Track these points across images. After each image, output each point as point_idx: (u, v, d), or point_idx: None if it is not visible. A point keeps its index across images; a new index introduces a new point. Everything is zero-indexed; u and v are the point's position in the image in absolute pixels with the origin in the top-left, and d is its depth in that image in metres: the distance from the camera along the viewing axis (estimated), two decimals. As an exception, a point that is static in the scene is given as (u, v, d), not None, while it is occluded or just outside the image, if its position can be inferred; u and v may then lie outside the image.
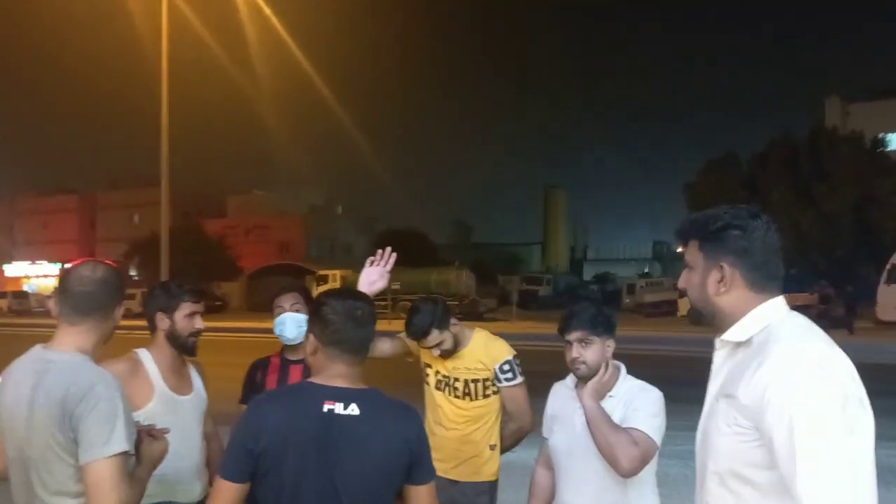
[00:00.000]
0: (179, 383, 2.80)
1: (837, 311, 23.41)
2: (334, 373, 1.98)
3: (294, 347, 3.18)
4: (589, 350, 2.58)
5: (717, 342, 1.75)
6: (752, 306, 1.67)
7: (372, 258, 3.16)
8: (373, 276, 3.13)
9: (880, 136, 37.29)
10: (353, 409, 1.92)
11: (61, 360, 2.03)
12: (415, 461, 1.98)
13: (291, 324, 3.12)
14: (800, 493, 1.46)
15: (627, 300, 38.80)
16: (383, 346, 3.38)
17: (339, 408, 1.91)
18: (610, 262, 70.89)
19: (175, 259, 22.96)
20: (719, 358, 1.75)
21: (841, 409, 1.48)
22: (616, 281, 50.26)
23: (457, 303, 29.01)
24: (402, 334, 3.39)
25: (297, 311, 3.14)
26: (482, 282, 38.54)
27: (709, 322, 1.75)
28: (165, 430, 2.26)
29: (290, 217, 57.75)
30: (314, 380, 2.01)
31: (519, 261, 67.64)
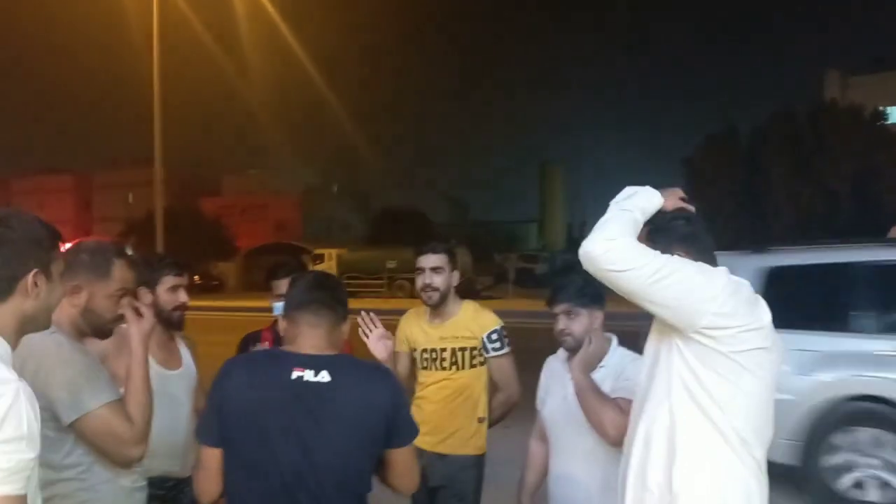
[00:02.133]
0: (168, 358, 2.79)
1: None
2: (302, 339, 1.98)
3: None
4: (575, 322, 2.62)
5: None
6: None
7: (361, 329, 3.01)
8: (378, 347, 2.97)
9: (880, 108, 37.17)
10: (324, 376, 1.90)
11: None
12: (391, 425, 1.95)
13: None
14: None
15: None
16: (401, 367, 3.35)
17: (308, 375, 1.89)
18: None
19: (171, 239, 22.88)
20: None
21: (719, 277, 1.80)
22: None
23: (457, 284, 28.88)
24: (401, 346, 3.39)
25: None
26: (479, 260, 38.51)
27: None
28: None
29: (286, 196, 57.70)
30: (285, 348, 2.02)
31: (516, 238, 67.71)
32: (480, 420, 3.32)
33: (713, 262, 1.94)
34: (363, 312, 3.04)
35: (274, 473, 1.85)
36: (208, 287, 43.43)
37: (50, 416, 1.91)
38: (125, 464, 2.05)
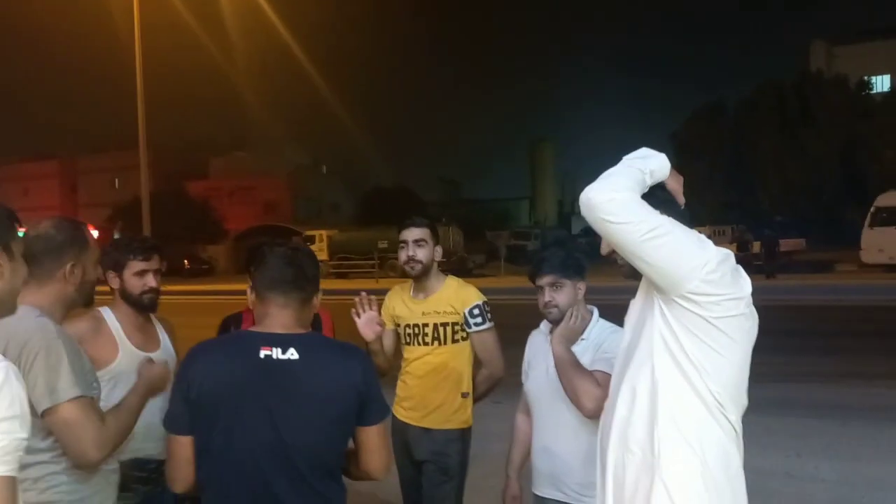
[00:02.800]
0: (145, 340, 2.78)
1: (755, 257, 23.58)
2: (271, 319, 1.95)
3: None
4: (560, 293, 2.62)
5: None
6: None
7: (354, 309, 3.05)
8: (366, 329, 3.04)
9: (865, 78, 37.21)
10: (292, 354, 1.88)
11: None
12: (363, 402, 1.94)
13: None
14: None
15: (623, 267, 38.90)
16: (387, 344, 3.36)
17: (276, 353, 1.88)
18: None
19: (159, 222, 22.82)
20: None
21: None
22: (602, 232, 50.29)
23: (445, 259, 28.92)
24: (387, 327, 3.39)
25: None
26: (470, 238, 38.53)
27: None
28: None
29: (274, 177, 57.29)
30: (252, 328, 1.99)
31: (507, 216, 67.63)
32: (464, 395, 3.35)
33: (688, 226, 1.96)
34: (363, 294, 3.06)
35: (246, 453, 1.84)
36: (198, 271, 43.31)
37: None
38: (81, 463, 1.98)
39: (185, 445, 1.88)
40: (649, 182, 1.86)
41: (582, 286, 2.65)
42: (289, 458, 1.85)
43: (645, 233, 1.74)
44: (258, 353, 1.87)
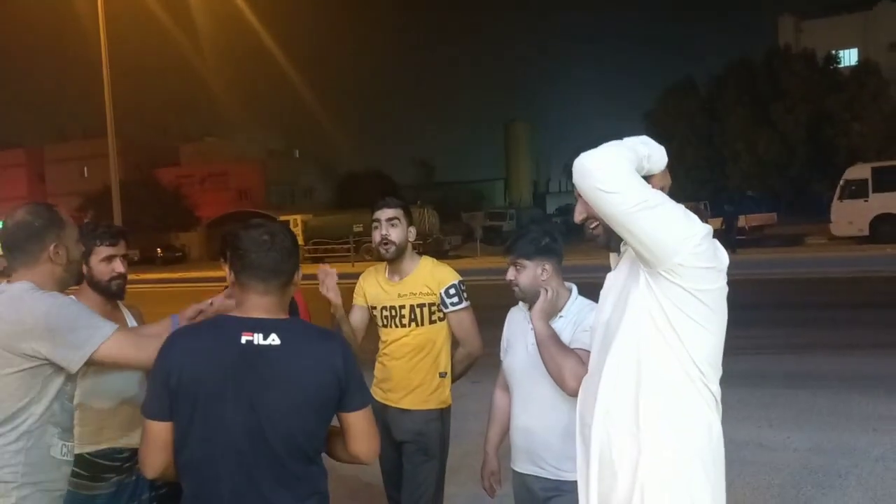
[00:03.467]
0: None
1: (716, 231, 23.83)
2: (250, 304, 1.93)
3: None
4: (522, 273, 2.68)
5: (620, 253, 2.01)
6: None
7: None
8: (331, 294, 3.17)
9: (833, 52, 37.56)
10: (274, 339, 1.87)
11: (9, 289, 2.15)
12: (345, 388, 1.93)
13: None
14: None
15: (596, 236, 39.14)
16: (355, 319, 3.38)
17: (258, 338, 1.87)
18: (573, 194, 71.17)
19: (129, 211, 22.53)
20: (615, 265, 2.03)
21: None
22: (578, 212, 50.53)
23: (421, 242, 29.03)
24: (355, 301, 3.44)
25: None
26: (446, 220, 38.55)
27: (612, 238, 1.98)
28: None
29: (247, 163, 56.74)
30: (232, 313, 1.96)
31: (482, 197, 67.69)
32: (442, 375, 3.37)
33: None
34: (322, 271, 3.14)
35: (227, 439, 1.84)
36: (171, 259, 42.90)
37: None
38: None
39: (162, 431, 1.87)
40: (645, 165, 1.87)
41: (548, 267, 2.67)
42: (269, 443, 1.85)
43: (634, 204, 1.74)
44: (239, 338, 1.86)
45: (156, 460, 1.89)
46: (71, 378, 2.17)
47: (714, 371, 1.86)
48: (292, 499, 1.89)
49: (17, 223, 2.20)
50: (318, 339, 1.96)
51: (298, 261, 2.04)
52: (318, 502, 1.96)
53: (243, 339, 1.86)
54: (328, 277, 3.13)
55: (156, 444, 1.88)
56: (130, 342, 2.16)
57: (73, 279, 2.34)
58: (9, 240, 2.19)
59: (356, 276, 3.55)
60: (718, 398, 1.89)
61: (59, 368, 2.10)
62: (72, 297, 2.22)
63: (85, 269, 2.68)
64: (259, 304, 1.93)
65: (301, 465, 1.91)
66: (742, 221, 26.95)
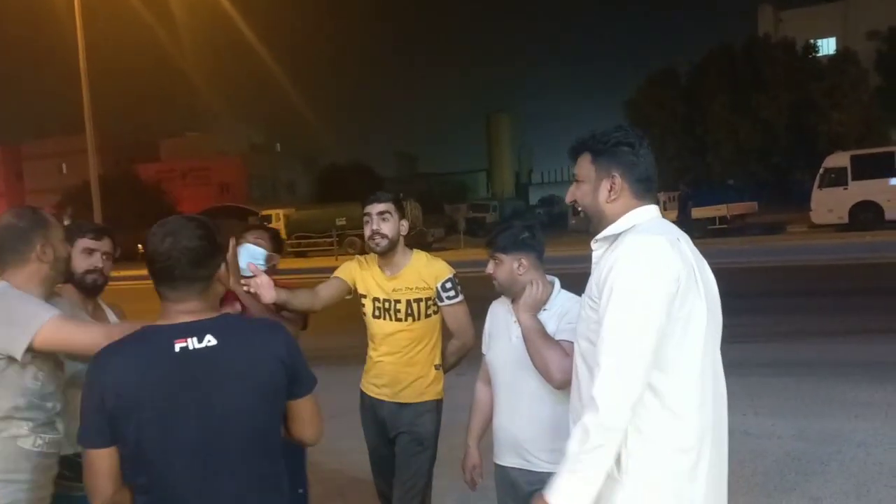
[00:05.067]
0: None
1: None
2: (173, 312, 1.83)
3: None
4: (499, 268, 2.70)
5: (594, 244, 2.01)
6: (628, 210, 1.96)
7: (247, 288, 2.89)
8: (265, 294, 2.88)
9: (812, 41, 37.80)
10: (210, 340, 1.78)
11: None
12: (292, 376, 1.88)
13: (245, 254, 3.03)
14: (599, 345, 1.81)
15: (573, 221, 39.29)
16: (324, 294, 3.28)
17: (192, 342, 1.77)
18: (555, 184, 71.39)
19: (109, 207, 22.28)
20: (596, 257, 2.00)
21: (646, 285, 1.78)
22: (561, 203, 50.72)
23: (406, 234, 28.82)
24: (336, 273, 3.38)
25: (257, 244, 3.13)
26: (429, 212, 38.44)
27: (595, 228, 2.02)
28: None
29: (228, 157, 56.32)
30: (157, 322, 1.84)
31: (465, 189, 67.67)
32: (437, 367, 3.39)
33: (647, 194, 1.99)
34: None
35: (184, 451, 1.76)
36: (154, 255, 42.51)
37: None
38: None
39: (105, 458, 1.76)
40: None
41: (524, 261, 2.66)
42: (227, 446, 1.78)
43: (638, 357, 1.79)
44: (173, 347, 1.76)
45: (104, 488, 1.77)
46: (29, 371, 2.17)
47: (663, 369, 1.83)
48: (260, 500, 1.84)
49: (3, 226, 2.30)
50: (257, 331, 1.90)
51: (216, 258, 1.89)
52: (285, 500, 1.92)
53: (177, 347, 1.76)
54: (266, 290, 2.86)
55: (101, 473, 1.76)
56: (72, 325, 2.18)
57: (61, 277, 2.42)
58: None
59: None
60: (677, 394, 1.84)
61: (10, 360, 2.11)
62: (21, 292, 2.23)
63: None
64: (181, 310, 1.82)
65: (266, 464, 1.86)
66: (724, 210, 27.12)
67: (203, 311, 1.84)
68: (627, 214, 1.96)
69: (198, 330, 1.79)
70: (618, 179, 1.97)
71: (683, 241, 1.92)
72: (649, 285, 1.78)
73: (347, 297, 3.40)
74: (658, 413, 1.82)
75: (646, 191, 1.99)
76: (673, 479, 1.84)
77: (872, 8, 39.44)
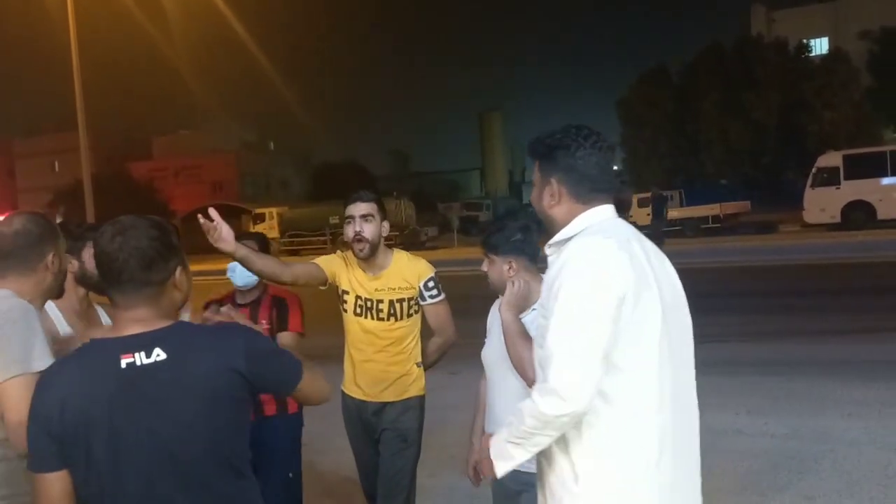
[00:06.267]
0: (87, 327, 2.68)
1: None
2: (123, 320, 1.69)
3: (243, 292, 3.47)
4: (492, 267, 2.71)
5: (547, 248, 1.99)
6: (575, 215, 1.92)
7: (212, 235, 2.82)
8: (222, 245, 2.82)
9: (804, 41, 37.93)
10: (159, 354, 1.64)
11: None
12: (257, 383, 1.73)
13: (242, 269, 3.18)
14: (545, 347, 1.79)
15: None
16: (297, 270, 3.26)
17: (140, 358, 1.63)
18: (547, 182, 71.41)
19: (102, 206, 22.12)
20: (550, 262, 1.96)
21: (588, 288, 1.75)
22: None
23: (397, 233, 28.95)
24: (318, 259, 3.38)
25: None
26: (422, 211, 38.47)
27: (549, 232, 2.00)
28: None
29: (221, 155, 56.21)
30: (107, 334, 1.71)
31: (458, 188, 67.72)
32: (419, 365, 3.40)
33: (595, 196, 1.93)
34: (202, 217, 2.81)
35: (137, 475, 1.64)
36: (146, 253, 42.43)
37: None
38: (11, 444, 1.93)
39: (55, 482, 1.64)
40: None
41: (514, 263, 2.66)
42: (184, 468, 1.65)
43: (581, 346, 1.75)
44: (118, 363, 1.63)
45: None
46: None
47: (615, 374, 1.79)
48: None
49: (16, 231, 2.21)
50: (212, 342, 1.72)
51: (170, 261, 1.75)
52: None
53: (123, 363, 1.63)
54: (217, 229, 2.78)
55: (52, 498, 1.64)
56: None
57: (58, 289, 2.33)
58: (6, 246, 2.18)
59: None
60: (631, 399, 1.82)
61: None
62: (37, 325, 2.05)
63: (75, 265, 2.66)
64: (131, 319, 1.68)
65: (230, 482, 1.72)
66: (717, 210, 27.20)
67: (154, 319, 1.70)
68: (576, 218, 1.93)
69: (146, 343, 1.65)
70: (555, 184, 1.94)
71: (635, 242, 1.88)
72: (594, 289, 1.75)
73: (321, 288, 3.37)
74: (612, 420, 1.79)
75: (591, 192, 1.93)
76: (631, 485, 1.81)
77: (865, 8, 39.64)
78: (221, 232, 2.78)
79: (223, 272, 3.64)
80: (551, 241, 1.97)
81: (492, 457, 1.92)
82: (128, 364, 1.63)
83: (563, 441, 1.84)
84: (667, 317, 1.83)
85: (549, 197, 1.96)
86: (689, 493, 1.92)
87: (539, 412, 1.75)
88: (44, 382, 1.69)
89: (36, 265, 2.20)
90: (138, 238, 1.69)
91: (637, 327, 1.77)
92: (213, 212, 2.84)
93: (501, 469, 1.92)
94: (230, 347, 1.71)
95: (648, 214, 23.80)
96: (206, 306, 3.26)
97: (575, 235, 1.89)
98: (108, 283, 1.70)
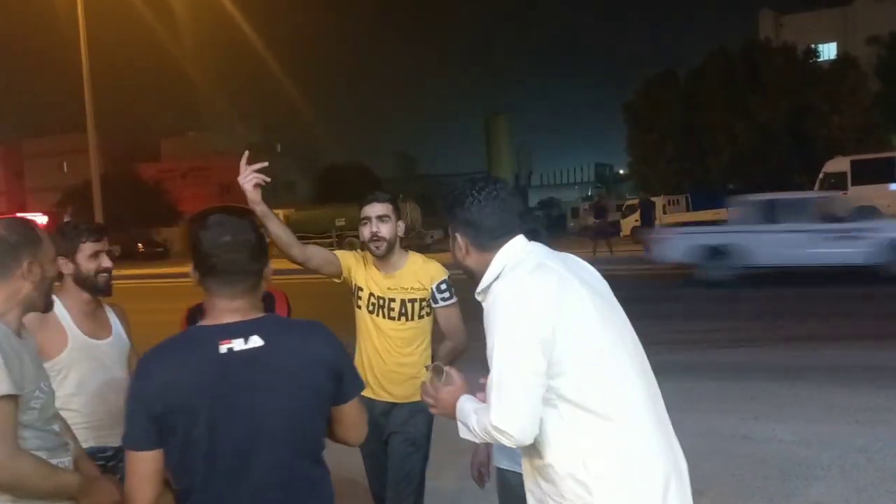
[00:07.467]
0: (95, 327, 2.73)
1: (611, 226, 23.76)
2: (220, 309, 1.80)
3: None
4: None
5: (477, 296, 2.08)
6: (488, 262, 2.03)
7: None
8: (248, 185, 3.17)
9: (812, 46, 37.81)
10: (256, 341, 1.76)
11: None
12: (338, 380, 1.87)
13: None
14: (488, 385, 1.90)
15: (572, 224, 39.33)
16: (312, 251, 3.31)
17: (238, 344, 1.75)
18: (554, 186, 71.55)
19: (110, 206, 22.28)
20: (484, 307, 2.04)
21: (514, 322, 1.85)
22: (560, 205, 50.82)
23: (404, 235, 28.84)
24: (336, 251, 3.40)
25: None
26: (428, 213, 38.48)
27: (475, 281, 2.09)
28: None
29: (228, 157, 56.22)
30: (203, 323, 1.82)
31: (464, 190, 67.63)
32: (428, 368, 3.36)
33: (498, 241, 2.02)
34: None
35: (232, 455, 1.74)
36: (152, 254, 42.56)
37: None
38: None
39: (149, 462, 1.74)
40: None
41: None
42: (275, 450, 1.77)
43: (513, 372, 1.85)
44: (217, 348, 1.74)
45: (146, 493, 1.76)
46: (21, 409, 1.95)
47: (559, 370, 1.87)
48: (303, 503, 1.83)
49: None
50: (304, 333, 1.87)
51: (267, 256, 1.90)
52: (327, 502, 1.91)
53: (223, 349, 1.74)
54: (250, 174, 3.15)
55: (143, 476, 1.74)
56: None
57: (42, 300, 2.14)
58: None
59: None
60: (561, 392, 1.88)
61: None
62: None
63: (71, 266, 2.66)
64: (229, 308, 1.80)
65: (310, 467, 1.85)
66: (724, 214, 27.09)
67: (249, 309, 1.82)
68: (490, 265, 2.02)
69: (244, 331, 1.77)
70: (459, 239, 2.08)
71: (552, 260, 1.98)
72: (519, 328, 1.85)
73: (336, 280, 3.39)
74: (585, 420, 1.87)
75: (492, 239, 2.03)
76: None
77: (873, 13, 39.51)
78: (254, 180, 3.06)
79: None
80: (478, 290, 2.06)
81: (457, 418, 2.02)
82: (227, 349, 1.74)
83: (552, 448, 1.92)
84: (602, 321, 1.93)
85: (458, 250, 2.10)
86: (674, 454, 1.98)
87: (490, 435, 1.89)
88: (146, 367, 1.78)
89: (13, 272, 2.04)
90: (247, 231, 1.83)
91: (574, 336, 1.87)
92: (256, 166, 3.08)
93: (462, 433, 2.03)
94: (322, 340, 1.87)
95: (637, 221, 23.70)
96: (191, 313, 3.23)
97: (496, 279, 1.98)
98: (216, 274, 1.79)
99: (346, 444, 2.04)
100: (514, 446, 1.88)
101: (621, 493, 1.84)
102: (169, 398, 1.71)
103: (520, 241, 2.05)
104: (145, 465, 1.74)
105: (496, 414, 1.84)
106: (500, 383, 1.84)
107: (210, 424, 1.72)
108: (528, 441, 1.85)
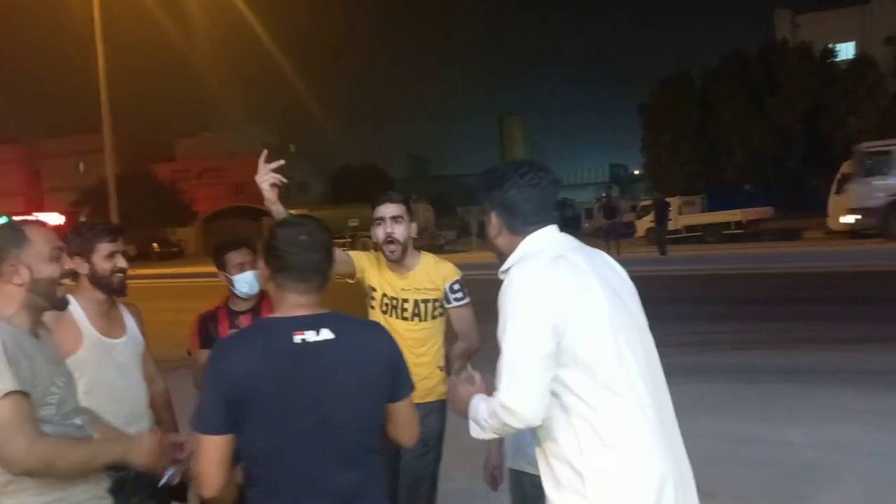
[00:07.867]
0: (110, 326, 2.75)
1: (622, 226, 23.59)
2: (291, 303, 1.90)
3: (244, 299, 3.30)
4: None
5: (500, 275, 2.09)
6: (517, 244, 2.09)
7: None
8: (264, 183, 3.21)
9: (829, 46, 37.51)
10: (326, 334, 1.86)
11: None
12: (395, 377, 1.96)
13: (252, 279, 3.20)
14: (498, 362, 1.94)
15: (586, 224, 39.22)
16: (338, 253, 3.31)
17: (310, 335, 1.84)
18: (568, 187, 71.27)
19: (126, 206, 22.47)
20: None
21: (526, 306, 1.91)
22: (574, 206, 50.62)
23: (416, 236, 28.85)
24: (350, 251, 3.42)
25: (252, 268, 3.21)
26: (441, 214, 38.58)
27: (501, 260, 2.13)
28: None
29: (242, 158, 56.47)
30: (275, 315, 1.92)
31: (477, 191, 67.60)
32: (441, 368, 3.40)
33: (528, 226, 2.07)
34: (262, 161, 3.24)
35: (294, 442, 1.81)
36: (167, 254, 42.83)
37: None
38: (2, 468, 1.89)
39: (219, 446, 1.80)
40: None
41: None
42: (339, 440, 1.85)
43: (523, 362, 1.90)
44: (292, 338, 1.83)
45: (216, 477, 1.81)
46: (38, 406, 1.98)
47: (565, 361, 1.91)
48: (364, 493, 1.90)
49: None
50: (367, 330, 2.00)
51: (333, 257, 2.03)
52: (382, 492, 2.00)
53: (297, 339, 1.83)
54: (267, 174, 3.23)
55: (213, 460, 1.80)
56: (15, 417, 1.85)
57: (46, 301, 2.12)
58: None
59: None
60: (565, 383, 1.92)
61: None
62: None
63: (87, 266, 2.67)
64: (299, 303, 1.90)
65: (368, 457, 1.92)
66: (739, 215, 26.97)
67: (317, 305, 1.92)
68: (518, 248, 2.08)
69: (315, 323, 1.86)
70: (493, 218, 2.13)
71: (575, 254, 2.01)
72: (529, 313, 1.90)
73: (349, 281, 3.41)
74: (595, 429, 1.90)
75: (525, 225, 2.08)
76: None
77: (891, 13, 39.11)
78: (272, 179, 3.17)
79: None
80: (501, 269, 2.10)
81: (469, 417, 2.06)
82: (301, 340, 1.83)
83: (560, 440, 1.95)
84: (617, 313, 1.96)
85: (492, 229, 2.15)
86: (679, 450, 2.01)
87: (497, 419, 1.93)
88: (222, 352, 1.88)
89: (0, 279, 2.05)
90: (322, 232, 1.98)
91: (588, 327, 1.91)
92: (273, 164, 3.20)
93: (472, 431, 2.07)
94: (383, 338, 2.00)
95: (652, 221, 23.64)
96: (202, 320, 3.30)
97: (516, 263, 2.04)
98: (291, 270, 1.89)
99: (398, 444, 2.11)
100: (522, 427, 1.91)
101: (613, 488, 1.87)
102: (243, 384, 1.78)
103: (550, 230, 2.10)
104: (216, 450, 1.80)
105: (505, 393, 1.89)
106: (509, 363, 1.90)
107: (281, 412, 1.80)
108: (537, 422, 1.90)
